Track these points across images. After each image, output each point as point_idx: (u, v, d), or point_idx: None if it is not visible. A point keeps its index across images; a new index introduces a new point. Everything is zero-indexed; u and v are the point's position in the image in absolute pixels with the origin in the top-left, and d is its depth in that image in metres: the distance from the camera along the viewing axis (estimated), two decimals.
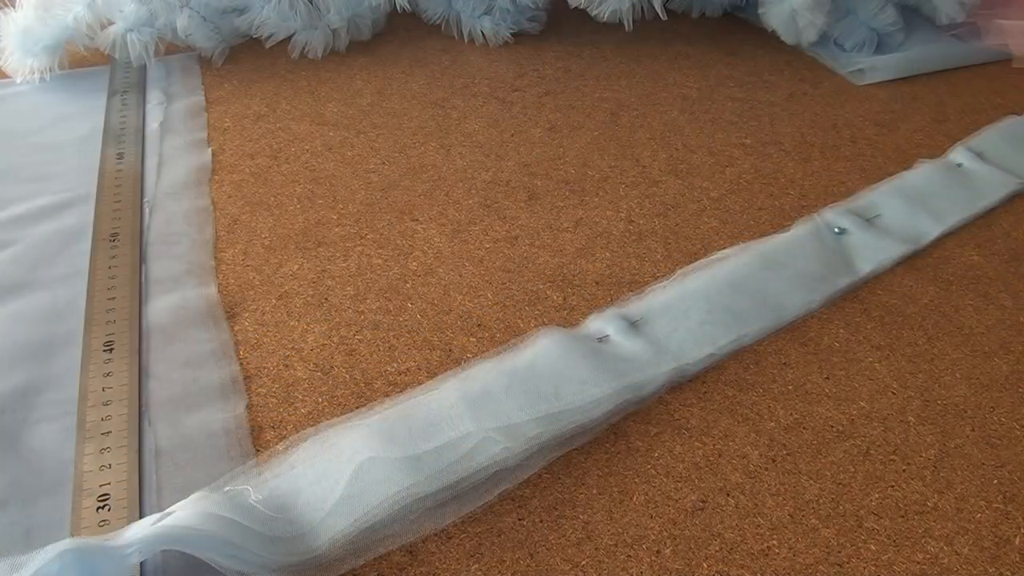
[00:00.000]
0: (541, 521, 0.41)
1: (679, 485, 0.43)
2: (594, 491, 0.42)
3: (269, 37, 0.77)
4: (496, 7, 0.80)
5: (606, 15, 0.78)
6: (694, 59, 0.82)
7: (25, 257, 0.56)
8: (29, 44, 0.74)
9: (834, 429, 0.45)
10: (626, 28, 0.80)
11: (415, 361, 0.49)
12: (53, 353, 0.50)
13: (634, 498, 0.42)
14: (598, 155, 0.66)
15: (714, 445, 0.45)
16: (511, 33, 0.81)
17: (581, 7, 0.78)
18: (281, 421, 0.45)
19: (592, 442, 0.44)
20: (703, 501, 0.42)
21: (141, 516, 0.41)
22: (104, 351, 0.49)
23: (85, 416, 0.46)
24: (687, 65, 0.81)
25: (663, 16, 0.80)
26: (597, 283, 0.54)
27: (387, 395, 0.47)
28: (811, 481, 0.43)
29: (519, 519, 0.41)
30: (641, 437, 0.45)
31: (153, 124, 0.69)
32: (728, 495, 0.42)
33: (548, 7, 0.83)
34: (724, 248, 0.57)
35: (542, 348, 0.48)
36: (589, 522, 0.41)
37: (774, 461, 0.44)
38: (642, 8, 0.80)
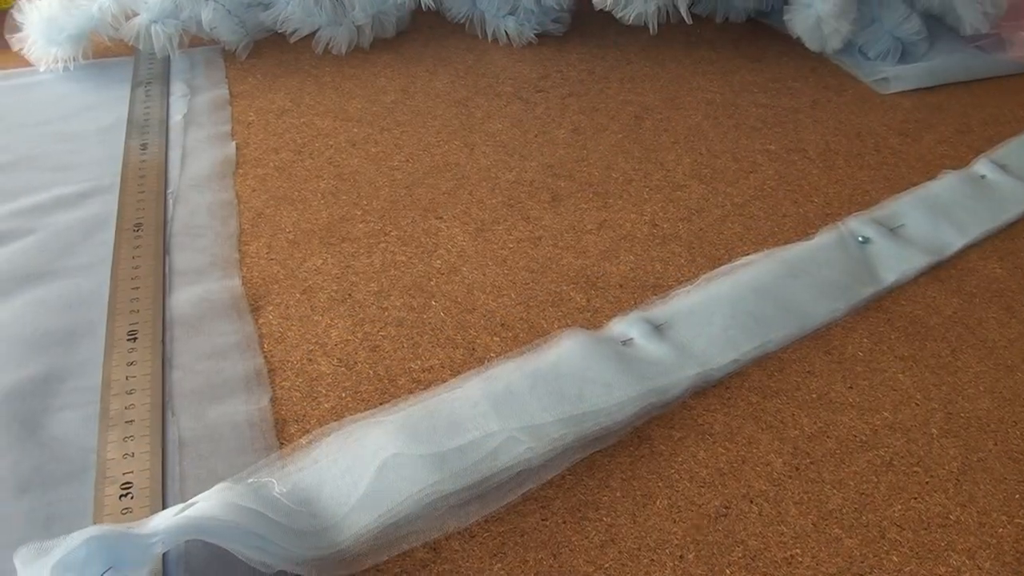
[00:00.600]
0: (564, 522, 0.41)
1: (703, 490, 0.43)
2: (618, 494, 0.42)
3: (293, 32, 0.77)
4: (520, 7, 0.80)
5: (631, 18, 0.78)
6: (718, 64, 0.82)
7: (48, 245, 0.57)
8: (53, 33, 0.74)
9: (857, 439, 0.45)
10: (651, 31, 0.80)
11: (438, 359, 0.49)
12: (76, 341, 0.50)
13: (657, 502, 0.42)
14: (622, 158, 0.66)
15: (738, 451, 0.45)
16: (535, 34, 0.81)
17: (606, 9, 0.78)
18: (305, 415, 0.45)
19: (615, 445, 0.44)
20: (726, 507, 0.42)
21: (164, 505, 0.41)
22: (128, 340, 0.49)
23: (108, 404, 0.46)
24: (711, 70, 0.81)
25: (688, 20, 0.80)
26: (621, 286, 0.54)
27: (410, 392, 0.47)
28: (834, 490, 0.43)
29: (542, 520, 0.41)
30: (665, 441, 0.45)
31: (177, 116, 0.69)
32: (751, 502, 0.42)
33: (572, 8, 0.83)
34: (748, 254, 0.57)
35: (566, 349, 0.48)
36: (612, 525, 0.41)
37: (797, 469, 0.44)
38: (667, 12, 0.80)
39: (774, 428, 0.46)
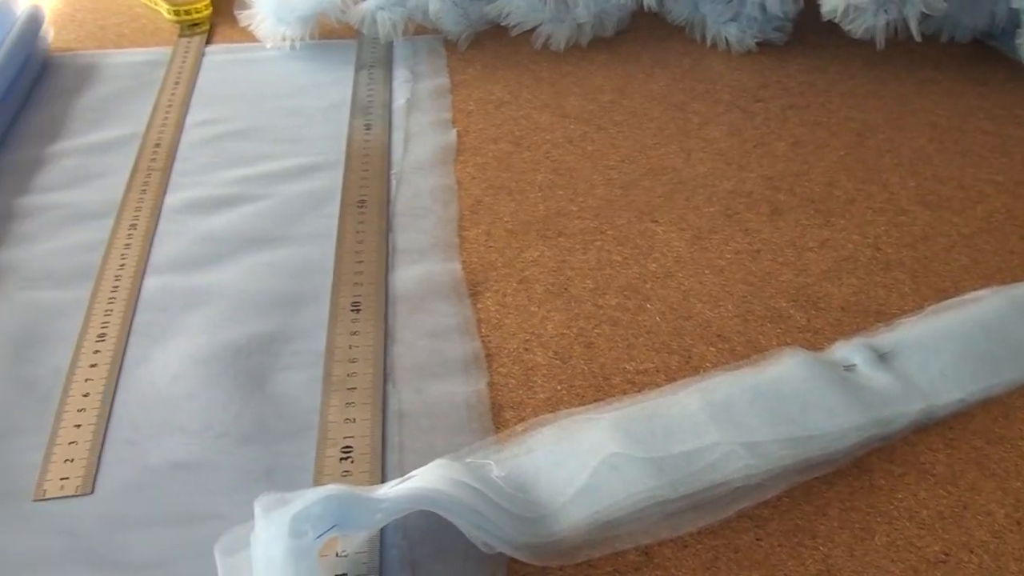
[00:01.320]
0: (780, 545, 0.40)
1: (922, 532, 0.40)
2: (835, 524, 0.41)
3: (516, 26, 0.78)
4: (744, 14, 0.78)
5: (859, 31, 0.75)
6: (943, 86, 0.78)
7: (276, 212, 0.59)
8: (284, 12, 0.77)
9: None
10: (878, 47, 0.76)
11: (653, 363, 0.48)
12: (301, 306, 0.52)
13: (876, 538, 0.40)
14: (844, 176, 0.64)
15: (959, 496, 0.42)
16: (755, 42, 0.79)
17: (835, 20, 0.75)
18: (520, 403, 0.46)
19: (834, 473, 0.43)
20: (946, 554, 0.40)
21: (383, 471, 0.42)
22: (352, 311, 0.51)
23: (331, 370, 0.48)
24: (935, 91, 0.77)
25: (917, 37, 0.76)
26: (842, 308, 0.52)
27: (624, 393, 0.46)
28: None
29: (756, 539, 0.40)
30: (885, 476, 0.43)
31: (400, 100, 0.72)
32: (971, 552, 0.40)
33: (795, 18, 0.81)
34: (975, 288, 0.54)
35: (787, 368, 0.46)
36: (829, 555, 0.39)
37: (1019, 524, 0.41)
38: (896, 27, 0.76)
39: (997, 476, 0.43)
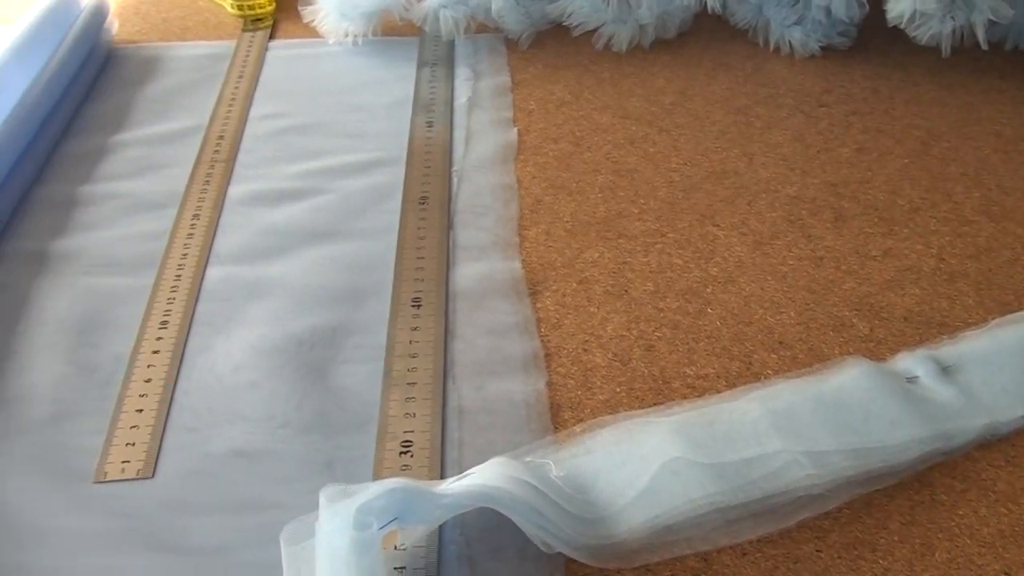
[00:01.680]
0: (839, 558, 0.39)
1: (983, 551, 0.40)
2: (895, 538, 0.40)
3: (578, 26, 0.78)
4: (809, 18, 0.77)
5: (925, 38, 0.74)
6: (1008, 95, 0.76)
7: (338, 207, 0.60)
8: (347, 8, 0.78)
9: None
10: (943, 53, 0.75)
11: (713, 368, 0.48)
12: (362, 300, 0.53)
13: (936, 554, 0.39)
14: (908, 184, 0.63)
15: (1020, 515, 0.41)
16: (820, 46, 0.78)
17: (900, 26, 0.74)
18: (579, 403, 0.46)
19: (895, 486, 0.42)
20: (1006, 573, 0.39)
21: (442, 467, 0.42)
22: (412, 307, 0.51)
23: (392, 365, 0.48)
24: (1000, 100, 0.75)
25: (984, 45, 0.75)
26: (905, 319, 0.51)
27: (684, 397, 0.46)
28: None
29: (816, 550, 0.39)
30: (946, 491, 0.42)
31: (461, 98, 0.72)
32: None
33: (860, 23, 0.79)
34: None
35: (850, 378, 0.45)
36: (888, 570, 0.39)
37: None
38: (962, 34, 0.75)
39: None
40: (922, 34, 0.74)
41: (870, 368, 0.46)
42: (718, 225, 0.59)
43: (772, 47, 0.79)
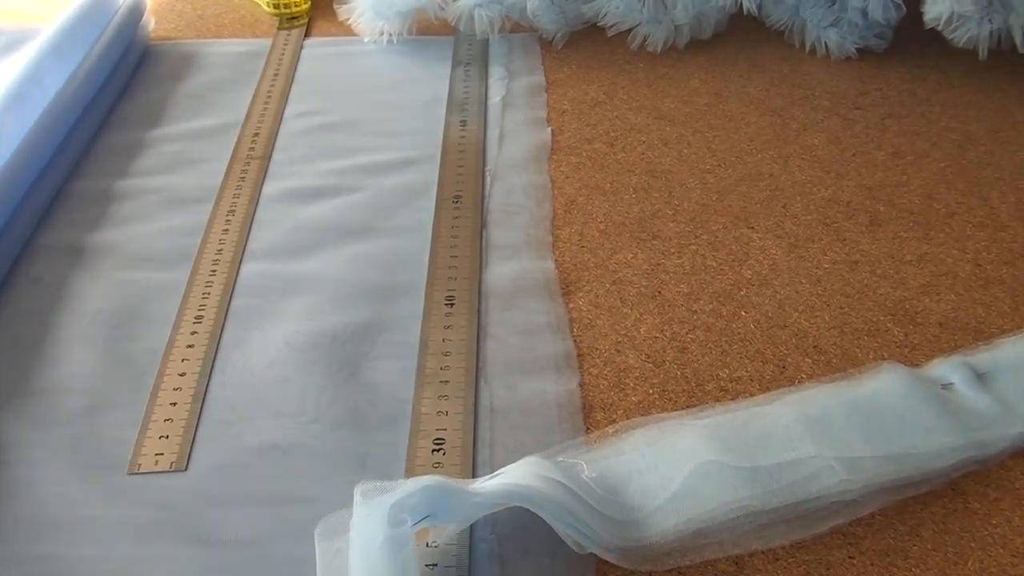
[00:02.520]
0: (872, 565, 0.39)
1: (1016, 561, 0.39)
2: (928, 546, 0.40)
3: (612, 26, 0.78)
4: (845, 19, 0.77)
5: (962, 40, 0.73)
6: None
7: (372, 204, 0.60)
8: (383, 7, 0.78)
9: None
10: (980, 56, 0.74)
11: (747, 371, 0.48)
12: (395, 298, 0.53)
13: (969, 563, 0.39)
14: (944, 188, 0.62)
15: None
16: (856, 48, 0.78)
17: (938, 28, 0.73)
18: (611, 404, 0.46)
19: (929, 494, 0.42)
20: None
21: (474, 465, 0.43)
22: (446, 305, 0.52)
23: (425, 362, 0.48)
24: None
25: (1021, 48, 0.74)
26: (940, 324, 0.51)
27: (718, 400, 0.46)
28: None
29: (849, 556, 0.39)
30: (979, 499, 0.42)
31: (495, 98, 0.72)
32: None
33: (896, 25, 0.79)
34: None
35: (885, 384, 0.45)
36: None
37: None
38: (999, 37, 0.74)
39: None
40: (959, 36, 0.73)
41: (905, 374, 0.46)
42: (752, 227, 0.58)
43: (808, 48, 0.79)
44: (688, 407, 0.45)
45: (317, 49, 0.80)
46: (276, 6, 0.84)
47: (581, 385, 0.47)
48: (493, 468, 0.41)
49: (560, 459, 0.41)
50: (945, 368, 0.47)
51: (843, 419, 0.43)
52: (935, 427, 0.43)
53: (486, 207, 0.60)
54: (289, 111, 0.71)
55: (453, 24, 0.79)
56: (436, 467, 0.42)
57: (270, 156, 0.65)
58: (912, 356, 0.49)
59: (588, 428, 0.44)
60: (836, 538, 0.40)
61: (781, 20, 0.80)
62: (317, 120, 0.70)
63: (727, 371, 0.48)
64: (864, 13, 0.77)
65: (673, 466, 0.40)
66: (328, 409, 0.46)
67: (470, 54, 0.78)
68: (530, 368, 0.48)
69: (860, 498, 0.40)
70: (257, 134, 0.68)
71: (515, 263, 0.55)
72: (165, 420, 0.46)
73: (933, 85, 0.75)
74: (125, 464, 0.44)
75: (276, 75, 0.75)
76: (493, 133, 0.67)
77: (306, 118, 0.70)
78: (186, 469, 0.44)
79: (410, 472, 0.42)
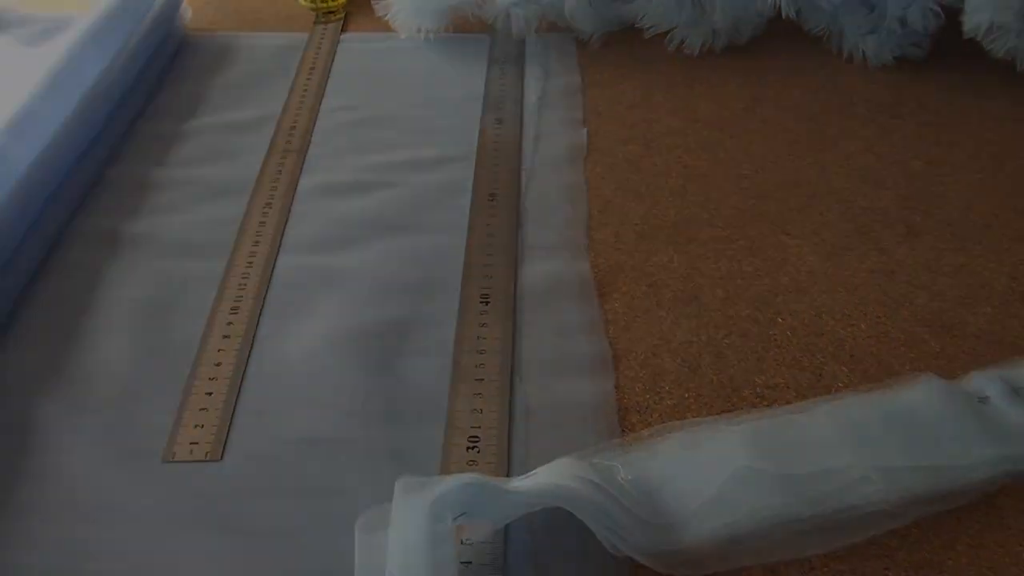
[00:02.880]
0: None
1: None
2: (963, 560, 0.39)
3: (650, 28, 0.78)
4: (883, 27, 0.76)
5: (1001, 51, 0.73)
6: None
7: (408, 201, 0.60)
8: (421, 5, 0.78)
9: None
10: (1018, 68, 0.74)
11: (783, 378, 0.48)
12: (430, 294, 0.53)
13: None
14: (981, 200, 0.62)
15: None
16: (894, 56, 0.77)
17: (977, 38, 0.73)
18: (647, 407, 0.46)
19: (964, 508, 0.41)
20: None
21: (509, 463, 0.43)
22: (481, 303, 0.52)
23: (460, 360, 0.48)
24: None
25: None
26: (977, 337, 0.51)
27: (754, 406, 0.46)
28: None
29: (884, 568, 0.39)
30: (1015, 515, 0.41)
31: (531, 97, 0.72)
32: None
33: (935, 33, 0.78)
34: None
35: (922, 395, 0.45)
36: None
37: None
38: None
39: None
40: (998, 47, 0.73)
41: (942, 386, 0.45)
42: (789, 234, 0.58)
43: (845, 56, 0.78)
44: (724, 412, 0.45)
45: (354, 44, 0.80)
46: (313, 0, 0.84)
47: (616, 387, 0.47)
48: (527, 467, 0.41)
49: (595, 460, 0.41)
50: (982, 381, 0.47)
51: (880, 430, 0.43)
52: (971, 440, 0.43)
53: (522, 206, 0.60)
54: (325, 105, 0.71)
55: (490, 23, 0.79)
56: (471, 465, 0.43)
57: (307, 150, 0.66)
58: (948, 368, 0.49)
59: (623, 431, 0.44)
60: (872, 549, 0.40)
61: (819, 26, 0.79)
62: (353, 115, 0.70)
63: (763, 377, 0.48)
64: (903, 21, 0.76)
65: (709, 472, 0.40)
66: (363, 404, 0.46)
67: (506, 53, 0.78)
68: (565, 369, 0.48)
69: (896, 509, 0.40)
70: (294, 128, 0.68)
71: (551, 263, 0.55)
72: (200, 409, 0.46)
73: (971, 96, 0.75)
74: (160, 452, 0.44)
75: (312, 69, 0.75)
76: (529, 132, 0.67)
77: (342, 113, 0.70)
78: (221, 459, 0.44)
79: (445, 469, 0.43)
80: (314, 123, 0.69)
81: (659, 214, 0.60)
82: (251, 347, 0.50)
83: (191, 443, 0.45)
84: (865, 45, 0.77)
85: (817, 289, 0.54)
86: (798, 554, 0.39)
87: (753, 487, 0.39)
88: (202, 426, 0.46)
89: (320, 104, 0.71)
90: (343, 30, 0.82)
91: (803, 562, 0.39)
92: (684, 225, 0.59)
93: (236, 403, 0.47)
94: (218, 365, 0.49)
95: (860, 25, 0.77)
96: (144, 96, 0.71)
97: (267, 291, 0.53)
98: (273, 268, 0.55)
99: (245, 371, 0.49)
